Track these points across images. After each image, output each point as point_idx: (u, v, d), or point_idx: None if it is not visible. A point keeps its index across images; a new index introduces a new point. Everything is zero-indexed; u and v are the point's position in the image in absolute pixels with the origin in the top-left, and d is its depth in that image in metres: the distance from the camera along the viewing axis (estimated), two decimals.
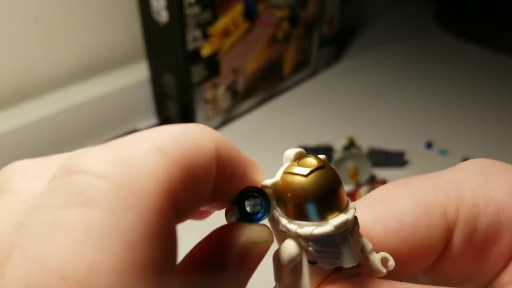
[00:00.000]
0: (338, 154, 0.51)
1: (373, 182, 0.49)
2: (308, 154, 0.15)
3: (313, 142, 0.55)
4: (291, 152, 0.14)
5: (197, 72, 0.52)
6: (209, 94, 0.55)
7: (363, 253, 0.14)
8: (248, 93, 0.61)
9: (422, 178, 0.15)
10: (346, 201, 0.14)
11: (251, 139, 0.57)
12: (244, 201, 0.14)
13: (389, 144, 0.55)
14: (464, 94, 0.67)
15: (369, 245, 0.14)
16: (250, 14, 0.55)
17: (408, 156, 0.53)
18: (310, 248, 0.13)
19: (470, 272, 0.15)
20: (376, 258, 0.14)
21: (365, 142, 0.54)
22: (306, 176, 0.13)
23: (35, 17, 0.51)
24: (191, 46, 0.50)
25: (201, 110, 0.55)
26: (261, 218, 0.14)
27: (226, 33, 0.53)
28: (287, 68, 0.66)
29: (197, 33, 0.50)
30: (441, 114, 0.63)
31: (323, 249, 0.13)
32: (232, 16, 0.53)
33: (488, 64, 0.74)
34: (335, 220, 0.13)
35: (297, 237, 0.14)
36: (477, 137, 0.57)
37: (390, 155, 0.52)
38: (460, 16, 0.82)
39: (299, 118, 0.61)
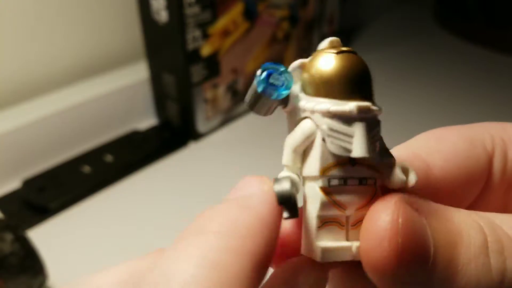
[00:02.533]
0: None
1: None
2: None
3: None
4: (326, 40, 0.14)
5: (197, 72, 0.52)
6: (209, 94, 0.55)
7: (383, 160, 0.14)
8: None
9: (459, 125, 0.17)
10: (372, 97, 0.13)
11: (251, 139, 0.57)
12: (269, 72, 0.14)
13: (389, 144, 0.55)
14: (464, 93, 0.67)
15: (392, 157, 0.14)
16: (250, 14, 0.55)
17: None
18: (324, 127, 0.13)
19: (501, 207, 0.16)
20: (398, 167, 0.14)
21: None
22: (337, 53, 0.13)
23: (35, 17, 0.51)
24: (191, 46, 0.50)
25: (201, 110, 0.55)
26: (280, 91, 0.14)
27: (226, 33, 0.53)
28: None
29: (197, 33, 0.50)
30: (442, 113, 0.62)
31: (336, 129, 0.13)
32: (232, 16, 0.53)
33: (489, 64, 0.74)
34: (357, 103, 0.13)
35: (313, 113, 0.13)
36: None
37: None
38: (461, 16, 0.82)
39: None
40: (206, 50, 0.52)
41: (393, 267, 0.12)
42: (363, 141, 0.13)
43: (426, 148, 0.16)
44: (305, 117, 0.14)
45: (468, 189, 0.16)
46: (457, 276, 0.12)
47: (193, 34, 0.50)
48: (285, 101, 0.14)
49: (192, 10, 0.48)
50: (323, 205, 0.14)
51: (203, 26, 0.50)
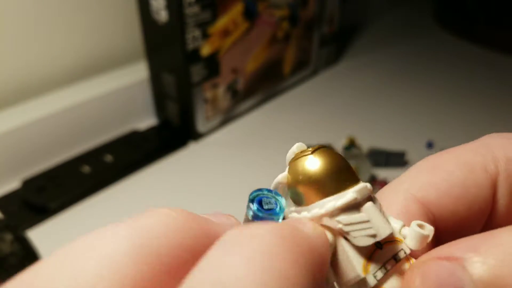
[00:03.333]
0: None
1: (374, 183, 0.49)
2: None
3: (313, 142, 0.54)
4: (292, 149, 0.14)
5: (197, 72, 0.52)
6: (209, 94, 0.55)
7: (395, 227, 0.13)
8: (248, 93, 0.61)
9: (457, 147, 0.16)
10: (357, 176, 0.13)
11: (251, 139, 0.57)
12: (259, 199, 0.13)
13: (390, 144, 0.55)
14: (464, 93, 0.67)
15: (399, 222, 0.13)
16: (250, 14, 0.55)
17: (408, 156, 0.53)
18: (340, 226, 0.13)
19: None
20: (412, 226, 0.13)
21: (365, 142, 0.54)
22: (312, 153, 0.13)
23: (35, 17, 0.51)
24: (190, 45, 0.50)
25: (201, 110, 0.55)
26: (279, 213, 0.13)
27: (226, 32, 0.53)
28: (287, 68, 0.65)
29: (197, 32, 0.50)
30: (442, 113, 0.62)
31: (351, 222, 0.12)
32: (232, 16, 0.53)
33: (488, 64, 0.74)
34: (354, 188, 0.13)
35: (322, 220, 0.13)
36: (478, 136, 0.57)
37: (391, 155, 0.52)
38: (460, 16, 0.82)
39: (299, 118, 0.61)
40: (206, 50, 0.52)
41: None
42: (381, 219, 0.12)
43: (420, 186, 0.15)
44: None
45: (471, 222, 0.15)
46: None
47: (193, 34, 0.50)
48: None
49: (192, 10, 0.48)
50: None
51: (203, 26, 0.50)
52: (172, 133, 0.57)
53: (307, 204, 0.13)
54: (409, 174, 0.15)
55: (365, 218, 0.12)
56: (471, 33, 0.80)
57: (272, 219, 0.13)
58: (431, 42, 0.82)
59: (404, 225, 0.13)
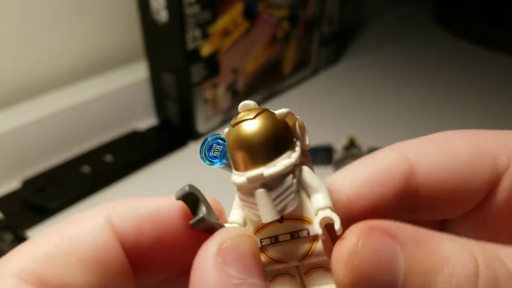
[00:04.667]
0: (338, 154, 0.51)
1: None
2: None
3: (313, 142, 0.54)
4: (239, 105, 0.14)
5: (197, 72, 0.52)
6: (209, 94, 0.55)
7: (314, 210, 0.14)
8: (248, 93, 0.61)
9: (479, 130, 0.15)
10: (276, 154, 0.13)
11: None
12: (211, 144, 0.15)
13: (390, 144, 0.54)
14: (464, 93, 0.67)
15: (320, 203, 0.14)
16: (250, 14, 0.55)
17: None
18: (240, 197, 0.14)
19: (510, 232, 0.15)
20: (318, 217, 0.13)
21: (365, 142, 0.54)
22: (233, 126, 0.14)
23: (35, 17, 0.51)
24: (190, 45, 0.50)
25: (201, 110, 0.55)
26: (217, 162, 0.15)
27: (226, 32, 0.53)
28: (287, 68, 0.65)
29: (197, 32, 0.50)
30: (442, 113, 0.62)
31: (244, 199, 0.14)
32: (232, 16, 0.53)
33: (488, 64, 0.74)
34: (250, 173, 0.13)
35: None
36: None
37: None
38: (460, 16, 0.82)
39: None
40: (206, 50, 0.52)
41: None
42: (266, 207, 0.13)
43: (419, 151, 0.15)
44: None
45: (456, 201, 0.15)
46: None
47: (193, 34, 0.50)
48: None
49: (192, 10, 0.48)
50: (264, 262, 0.14)
51: (203, 26, 0.50)
52: (172, 133, 0.57)
53: (232, 167, 0.14)
54: (416, 140, 0.16)
55: (253, 201, 0.13)
56: (471, 33, 0.80)
57: (211, 164, 0.15)
58: (431, 42, 0.82)
59: (325, 208, 0.13)
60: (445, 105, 0.64)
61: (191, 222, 0.14)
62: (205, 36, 0.51)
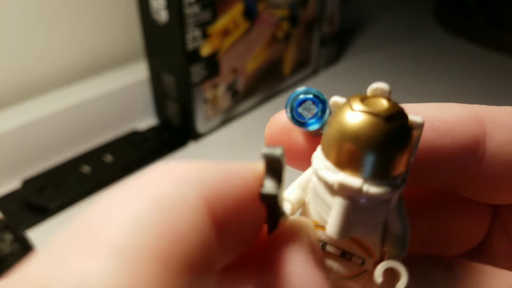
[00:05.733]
0: None
1: None
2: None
3: None
4: (371, 86, 0.11)
5: (196, 72, 0.52)
6: (209, 94, 0.55)
7: (382, 249, 0.12)
8: (248, 93, 0.61)
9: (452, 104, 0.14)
10: (388, 172, 0.10)
11: (251, 139, 0.57)
12: (300, 101, 0.12)
13: None
14: (464, 93, 0.67)
15: (396, 246, 0.11)
16: (250, 14, 0.55)
17: None
18: (311, 185, 0.12)
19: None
20: (384, 265, 0.11)
21: None
22: (354, 110, 0.10)
23: (35, 17, 0.51)
24: (190, 45, 0.50)
25: (201, 110, 0.55)
26: (312, 125, 0.12)
27: (226, 32, 0.53)
28: (287, 68, 0.65)
29: (197, 32, 0.50)
30: None
31: (320, 195, 0.11)
32: (232, 16, 0.53)
33: (488, 64, 0.74)
34: (347, 178, 0.10)
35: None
36: None
37: None
38: (461, 16, 0.82)
39: None
40: (206, 50, 0.52)
41: None
42: (339, 221, 0.11)
43: (493, 117, 0.13)
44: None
45: (445, 158, 0.13)
46: None
47: (193, 34, 0.50)
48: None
49: (192, 10, 0.48)
50: None
51: (203, 26, 0.50)
52: (172, 133, 0.57)
53: (322, 150, 0.11)
54: (491, 107, 0.13)
55: (329, 204, 0.11)
56: (471, 33, 0.80)
57: (298, 125, 0.12)
58: (431, 42, 0.82)
59: (397, 256, 0.12)
60: None
61: (265, 192, 0.11)
62: (205, 36, 0.51)
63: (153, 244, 0.09)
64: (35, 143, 0.49)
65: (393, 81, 0.70)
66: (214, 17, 0.51)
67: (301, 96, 0.12)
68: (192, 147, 0.55)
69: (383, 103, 0.11)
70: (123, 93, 0.56)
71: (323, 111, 0.12)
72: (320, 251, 0.12)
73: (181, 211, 0.10)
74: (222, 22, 0.52)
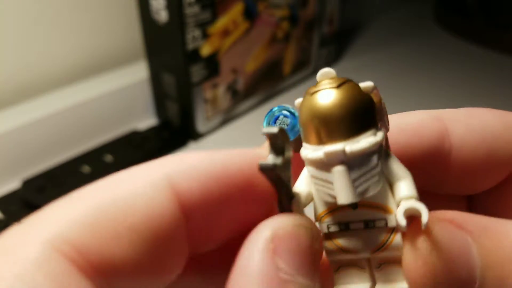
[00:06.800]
0: None
1: None
2: None
3: None
4: (319, 73, 0.13)
5: (196, 72, 0.52)
6: (209, 94, 0.55)
7: (396, 199, 0.12)
8: (248, 93, 0.61)
9: (505, 111, 0.16)
10: (360, 129, 0.12)
11: (251, 139, 0.57)
12: (276, 117, 0.13)
13: None
14: (464, 94, 0.67)
15: (405, 191, 0.12)
16: (250, 14, 0.55)
17: None
18: (309, 174, 0.12)
19: None
20: (402, 207, 0.12)
21: None
22: (311, 94, 0.12)
23: (35, 17, 0.51)
24: (190, 45, 0.50)
25: (201, 110, 0.55)
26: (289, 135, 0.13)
27: (226, 32, 0.53)
28: (287, 68, 0.65)
29: (197, 32, 0.50)
30: None
31: (317, 176, 0.12)
32: (232, 16, 0.53)
33: (489, 64, 0.74)
34: (329, 148, 0.11)
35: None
36: None
37: None
38: (461, 16, 0.82)
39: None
40: (206, 50, 0.52)
41: None
42: (344, 187, 0.11)
43: (452, 115, 0.15)
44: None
45: (486, 172, 0.14)
46: None
47: (193, 34, 0.50)
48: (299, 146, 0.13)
49: (192, 10, 0.48)
50: (329, 252, 0.13)
51: (203, 26, 0.50)
52: (172, 133, 0.57)
53: (304, 141, 0.12)
54: (446, 109, 0.16)
55: (330, 179, 0.12)
56: (471, 33, 0.80)
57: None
58: (431, 42, 0.82)
59: (410, 197, 0.12)
60: (445, 105, 0.64)
61: (263, 163, 0.12)
62: (205, 36, 0.51)
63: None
64: (35, 143, 0.49)
65: (393, 81, 0.70)
66: (214, 17, 0.51)
67: (276, 113, 0.14)
68: (192, 147, 0.55)
69: (332, 79, 0.12)
70: (123, 93, 0.56)
71: (295, 124, 0.13)
72: (307, 243, 0.12)
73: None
74: (222, 22, 0.52)
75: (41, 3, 0.51)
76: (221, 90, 0.56)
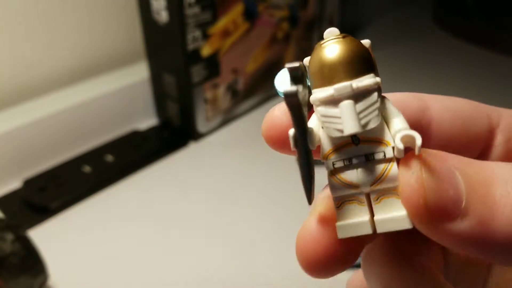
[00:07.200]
0: None
1: None
2: None
3: None
4: (325, 32, 0.15)
5: (197, 72, 0.52)
6: (209, 94, 0.55)
7: (392, 132, 0.14)
8: (248, 93, 0.61)
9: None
10: (363, 71, 0.14)
11: (251, 139, 0.57)
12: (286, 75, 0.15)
13: None
14: (464, 94, 0.67)
15: (399, 125, 0.14)
16: (250, 14, 0.55)
17: None
18: (318, 115, 0.14)
19: None
20: (399, 134, 0.13)
21: None
22: (321, 44, 0.15)
23: (35, 17, 0.51)
24: (191, 46, 0.50)
25: (201, 110, 0.55)
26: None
27: (226, 33, 0.53)
28: None
29: (197, 33, 0.50)
30: None
31: (326, 114, 0.14)
32: (232, 16, 0.53)
33: (488, 64, 0.74)
34: (338, 85, 0.14)
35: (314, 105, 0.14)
36: None
37: None
38: (460, 16, 0.82)
39: None
40: (206, 50, 0.52)
41: (428, 218, 0.12)
42: (351, 118, 0.13)
43: (431, 97, 0.17)
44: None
45: (462, 145, 0.16)
46: (497, 208, 0.12)
47: (193, 34, 0.50)
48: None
49: (192, 11, 0.48)
50: (333, 187, 0.14)
51: (203, 26, 0.50)
52: (172, 133, 0.57)
53: (313, 89, 0.14)
54: (431, 96, 0.17)
55: (337, 114, 0.14)
56: (471, 33, 0.80)
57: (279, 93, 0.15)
58: (431, 43, 0.82)
59: (404, 129, 0.14)
60: None
61: (287, 88, 0.13)
62: (205, 36, 0.51)
63: None
64: (36, 143, 0.49)
65: (393, 81, 0.70)
66: (214, 17, 0.51)
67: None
68: (193, 147, 0.56)
69: (335, 36, 0.15)
70: (124, 93, 0.56)
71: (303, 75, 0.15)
72: None
73: None
74: (222, 22, 0.52)
75: (42, 4, 0.51)
76: (221, 90, 0.56)
